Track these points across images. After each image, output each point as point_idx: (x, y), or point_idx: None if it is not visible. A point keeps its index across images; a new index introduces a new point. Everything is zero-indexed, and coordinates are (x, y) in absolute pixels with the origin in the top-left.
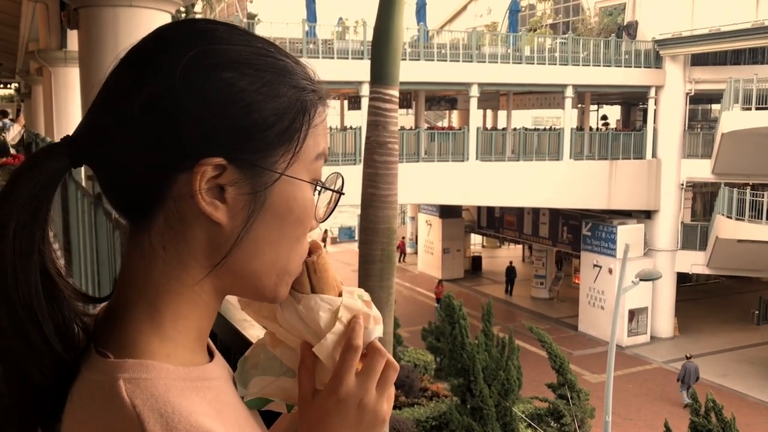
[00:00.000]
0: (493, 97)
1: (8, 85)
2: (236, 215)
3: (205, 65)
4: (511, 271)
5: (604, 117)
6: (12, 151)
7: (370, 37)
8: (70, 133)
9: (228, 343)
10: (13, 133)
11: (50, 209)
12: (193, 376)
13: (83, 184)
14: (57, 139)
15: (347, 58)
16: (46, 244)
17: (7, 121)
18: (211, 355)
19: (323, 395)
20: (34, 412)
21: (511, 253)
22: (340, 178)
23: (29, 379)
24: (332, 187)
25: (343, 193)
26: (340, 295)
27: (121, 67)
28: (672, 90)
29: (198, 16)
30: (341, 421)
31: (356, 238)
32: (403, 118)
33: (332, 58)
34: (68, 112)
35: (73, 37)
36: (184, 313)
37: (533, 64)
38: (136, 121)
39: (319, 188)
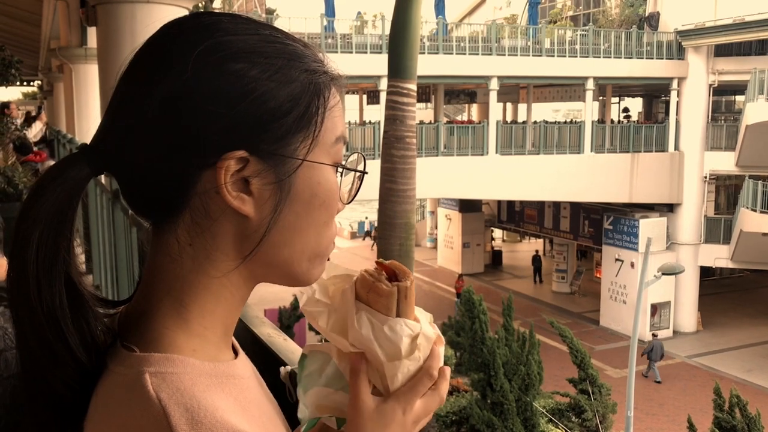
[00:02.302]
0: (513, 90)
1: (31, 83)
2: (263, 206)
3: (215, 59)
4: (537, 260)
5: (626, 109)
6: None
7: (388, 31)
8: (87, 136)
9: (239, 340)
10: (35, 130)
11: (75, 219)
12: (219, 371)
13: (102, 180)
14: (78, 136)
15: (366, 53)
16: (71, 254)
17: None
18: (236, 353)
19: (393, 405)
20: (54, 420)
21: (531, 247)
22: (363, 158)
23: (52, 390)
24: (354, 168)
25: (366, 172)
26: (415, 320)
27: (131, 70)
28: (695, 81)
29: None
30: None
31: (374, 233)
32: (423, 112)
33: (351, 52)
34: (89, 108)
35: (93, 35)
36: (211, 308)
37: (553, 56)
38: (152, 124)
39: (341, 170)
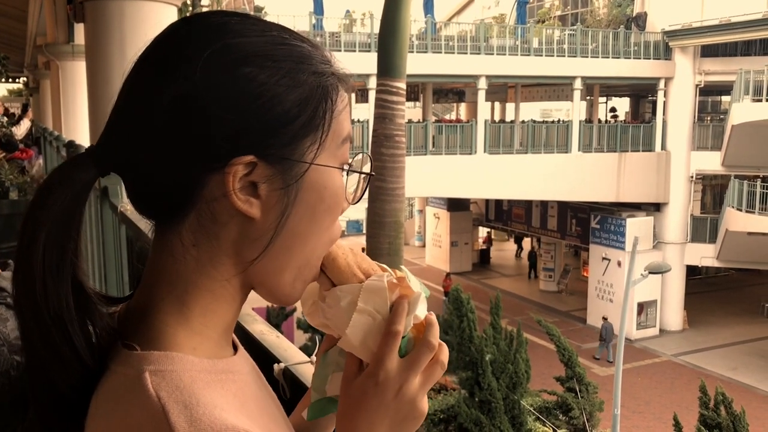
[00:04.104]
0: (501, 89)
1: (17, 80)
2: (270, 210)
3: (224, 63)
4: (532, 256)
5: (613, 109)
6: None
7: (377, 29)
8: (74, 134)
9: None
10: (23, 128)
11: (82, 221)
12: (218, 368)
13: None
14: (65, 133)
15: (354, 51)
16: (78, 255)
17: None
18: (236, 349)
19: (363, 376)
20: (58, 420)
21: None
22: (369, 159)
23: (56, 391)
24: (361, 169)
25: (373, 174)
26: (360, 281)
27: (138, 70)
28: (681, 82)
29: (205, 9)
30: (378, 405)
31: (364, 231)
32: (411, 111)
33: (339, 50)
34: (76, 106)
35: (80, 31)
36: (213, 308)
37: (541, 55)
38: (160, 127)
39: (346, 171)
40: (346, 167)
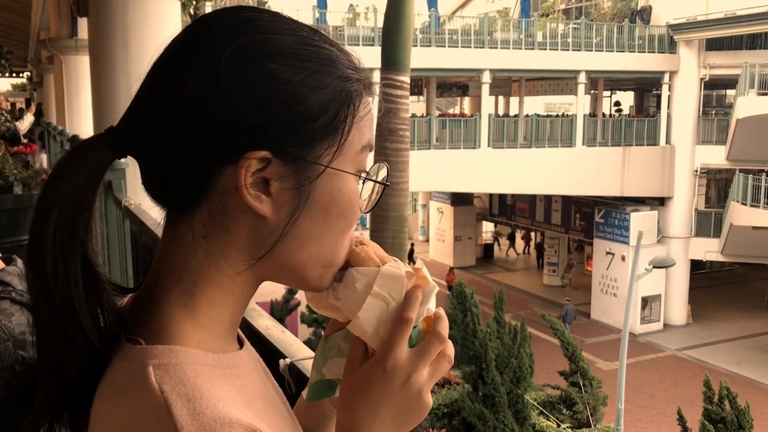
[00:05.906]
0: (505, 83)
1: (20, 74)
2: (281, 208)
3: (250, 57)
4: (540, 247)
5: (617, 103)
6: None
7: (381, 23)
8: (78, 128)
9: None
10: (27, 122)
11: (95, 200)
12: (223, 363)
13: None
14: (69, 127)
15: (358, 45)
16: (90, 236)
17: None
18: (242, 344)
19: (371, 363)
20: (65, 404)
21: (523, 240)
22: (385, 168)
23: (64, 372)
24: (377, 179)
25: (388, 185)
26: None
27: (165, 58)
28: (686, 75)
29: (208, 4)
30: (384, 393)
31: (368, 225)
32: (415, 105)
33: (343, 45)
34: (80, 100)
35: (83, 26)
36: (220, 301)
37: (546, 49)
38: (180, 115)
39: (362, 179)
40: (363, 175)
